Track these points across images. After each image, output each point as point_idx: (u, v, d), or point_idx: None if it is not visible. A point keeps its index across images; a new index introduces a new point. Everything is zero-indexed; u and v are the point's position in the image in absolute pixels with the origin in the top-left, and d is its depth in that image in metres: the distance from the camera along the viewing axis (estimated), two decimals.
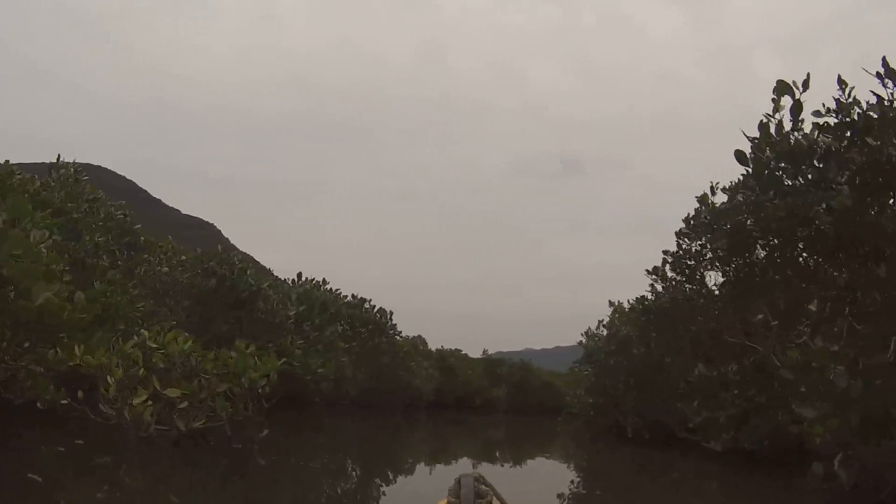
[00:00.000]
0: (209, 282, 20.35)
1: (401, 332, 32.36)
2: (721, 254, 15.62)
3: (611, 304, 26.66)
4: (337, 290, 29.26)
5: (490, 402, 51.79)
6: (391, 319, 31.42)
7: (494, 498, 3.01)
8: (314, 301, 24.97)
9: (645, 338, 20.02)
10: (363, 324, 29.41)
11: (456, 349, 54.13)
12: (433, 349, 50.38)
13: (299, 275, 26.78)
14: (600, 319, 28.32)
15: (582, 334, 28.73)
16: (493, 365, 55.62)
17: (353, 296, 31.22)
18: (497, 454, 24.80)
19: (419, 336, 50.81)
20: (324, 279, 28.00)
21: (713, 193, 16.16)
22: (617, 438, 24.32)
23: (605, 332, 28.02)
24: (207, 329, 19.50)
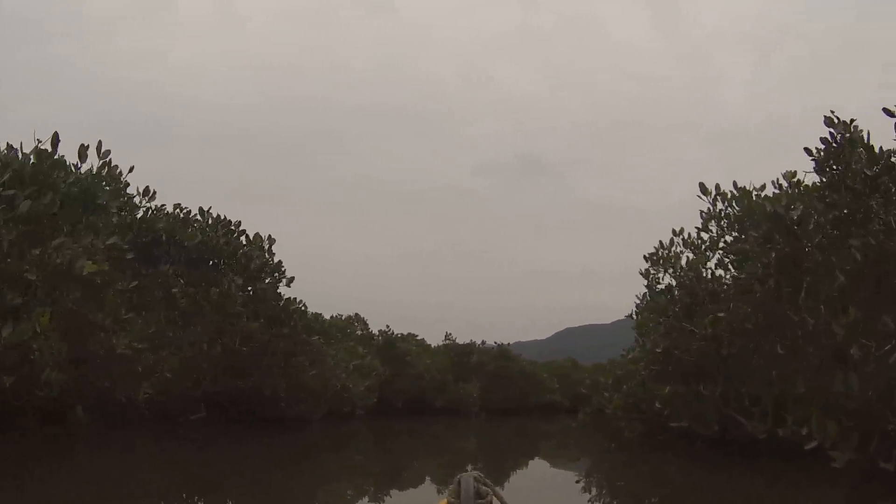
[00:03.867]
0: None
1: (289, 278, 17.57)
2: None
3: (704, 190, 13.13)
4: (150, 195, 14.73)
5: (457, 401, 37.43)
6: (271, 255, 16.87)
7: (494, 498, 2.79)
8: (32, 175, 10.38)
9: None
10: (209, 255, 14.94)
11: (410, 334, 39.74)
12: (375, 331, 35.96)
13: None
14: (676, 231, 14.43)
15: (645, 257, 14.87)
16: (460, 353, 41.42)
17: (203, 211, 16.71)
18: None
19: (356, 314, 36.42)
20: (106, 154, 13.25)
21: None
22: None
23: (682, 259, 14.21)
24: None
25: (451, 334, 43.12)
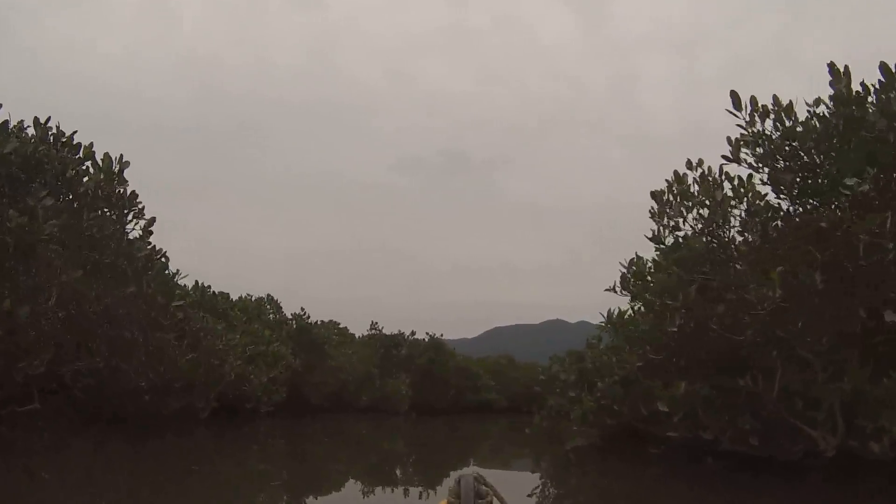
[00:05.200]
0: None
1: (148, 219, 12.52)
2: None
3: (737, 102, 9.10)
4: None
5: (384, 399, 32.81)
6: (121, 182, 11.83)
7: (494, 498, 2.83)
8: None
9: None
10: (28, 170, 9.86)
11: (331, 321, 34.79)
12: (288, 315, 30.93)
13: None
14: (693, 164, 10.37)
15: (653, 193, 10.70)
16: (388, 345, 36.80)
17: (39, 122, 11.55)
18: None
19: (268, 296, 31.26)
20: None
21: None
22: None
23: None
24: None
25: (377, 324, 38.50)
